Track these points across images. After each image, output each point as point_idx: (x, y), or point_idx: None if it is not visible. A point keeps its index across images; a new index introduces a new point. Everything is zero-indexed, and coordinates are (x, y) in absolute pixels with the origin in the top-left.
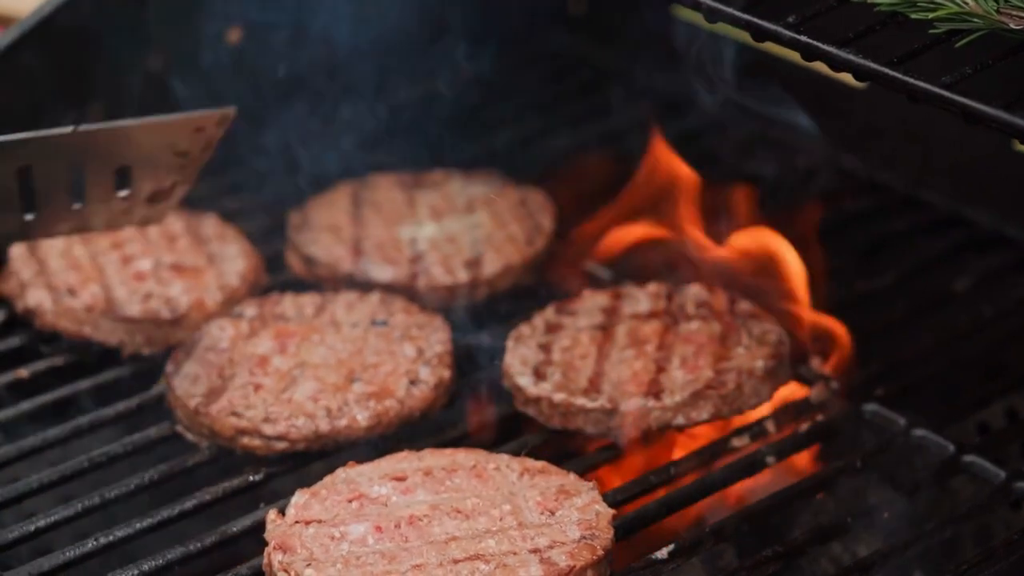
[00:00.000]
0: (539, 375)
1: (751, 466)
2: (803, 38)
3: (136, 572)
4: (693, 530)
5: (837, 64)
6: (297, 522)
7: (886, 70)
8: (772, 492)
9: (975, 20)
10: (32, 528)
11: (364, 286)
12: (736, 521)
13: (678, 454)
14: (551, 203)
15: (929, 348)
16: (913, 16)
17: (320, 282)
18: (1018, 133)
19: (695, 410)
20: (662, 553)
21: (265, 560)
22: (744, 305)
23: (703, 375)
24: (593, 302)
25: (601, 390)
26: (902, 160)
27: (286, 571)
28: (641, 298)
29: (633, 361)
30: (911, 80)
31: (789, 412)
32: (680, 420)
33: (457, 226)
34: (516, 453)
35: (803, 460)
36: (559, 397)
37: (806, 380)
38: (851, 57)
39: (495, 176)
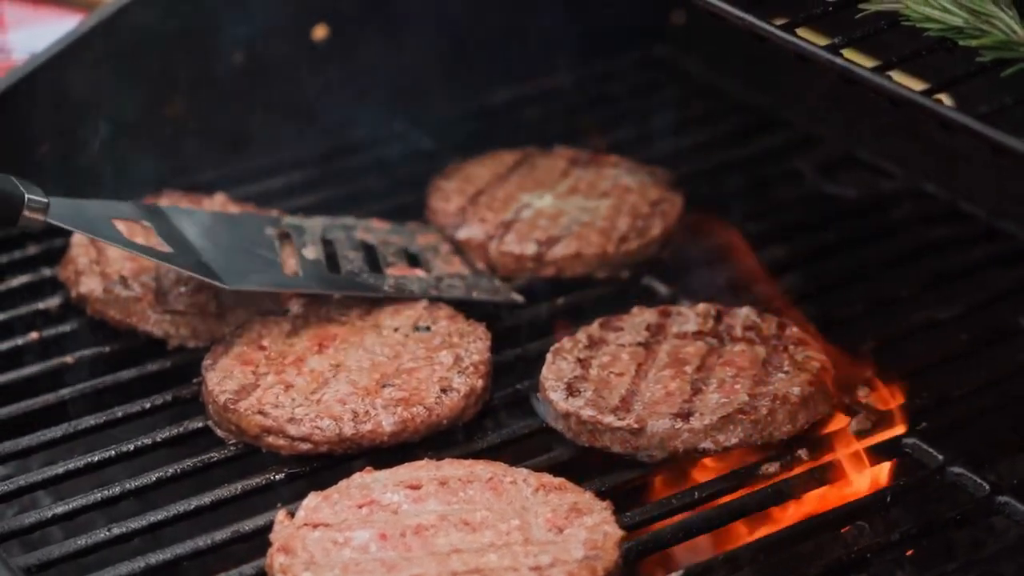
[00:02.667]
0: (572, 390)
1: (777, 494)
2: (838, 60)
3: (143, 565)
4: (707, 557)
5: (872, 88)
6: (305, 524)
7: (918, 97)
8: (794, 522)
9: (1022, 49)
10: (49, 515)
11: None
12: (752, 550)
13: (707, 479)
14: (680, 212)
15: (982, 384)
16: (961, 43)
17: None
18: None
19: (724, 434)
20: None
21: (268, 561)
22: (793, 331)
23: (737, 399)
24: (641, 319)
25: (631, 409)
26: (983, 188)
27: (284, 573)
28: (689, 317)
29: (669, 381)
30: (941, 109)
31: (824, 441)
32: (708, 444)
33: (573, 205)
34: (542, 467)
35: (833, 492)
36: (587, 414)
37: (850, 410)
38: (884, 82)
39: (659, 173)
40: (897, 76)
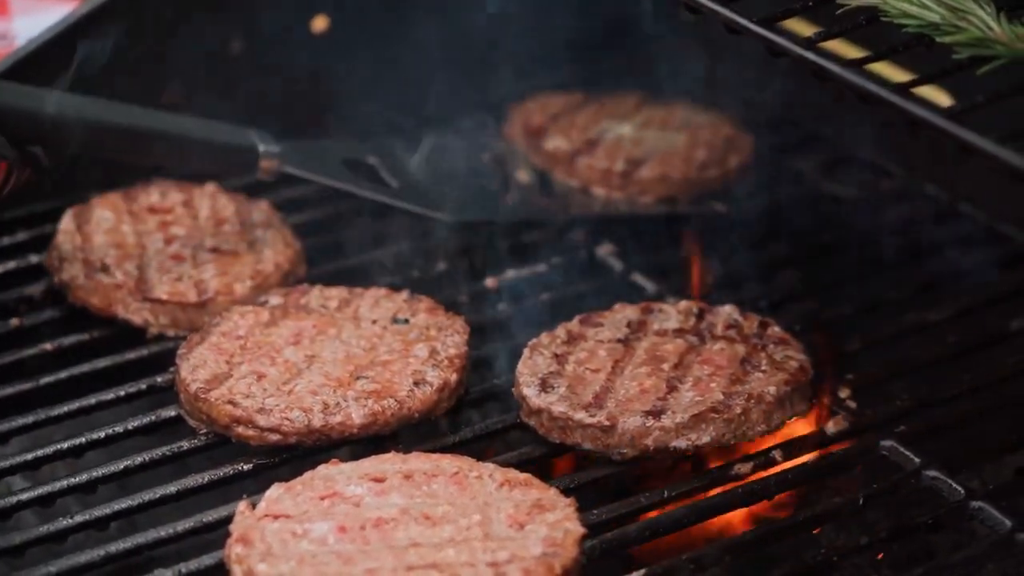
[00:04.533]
0: (546, 386)
1: (749, 495)
2: (810, 55)
3: (103, 553)
4: (670, 558)
5: (842, 85)
6: (265, 516)
7: (886, 94)
8: (763, 523)
9: (998, 47)
10: (14, 500)
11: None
12: (718, 551)
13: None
14: (752, 151)
15: (965, 387)
16: (938, 39)
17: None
18: (1008, 168)
19: (696, 433)
20: None
21: (226, 551)
22: (774, 330)
23: (710, 398)
24: (622, 315)
25: (603, 406)
26: (983, 190)
27: (240, 564)
28: (671, 314)
29: (645, 379)
30: (908, 106)
31: (800, 442)
32: (680, 443)
33: (652, 135)
34: (511, 463)
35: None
36: (559, 410)
37: (828, 410)
38: (853, 78)
39: (725, 114)
40: (885, 72)
